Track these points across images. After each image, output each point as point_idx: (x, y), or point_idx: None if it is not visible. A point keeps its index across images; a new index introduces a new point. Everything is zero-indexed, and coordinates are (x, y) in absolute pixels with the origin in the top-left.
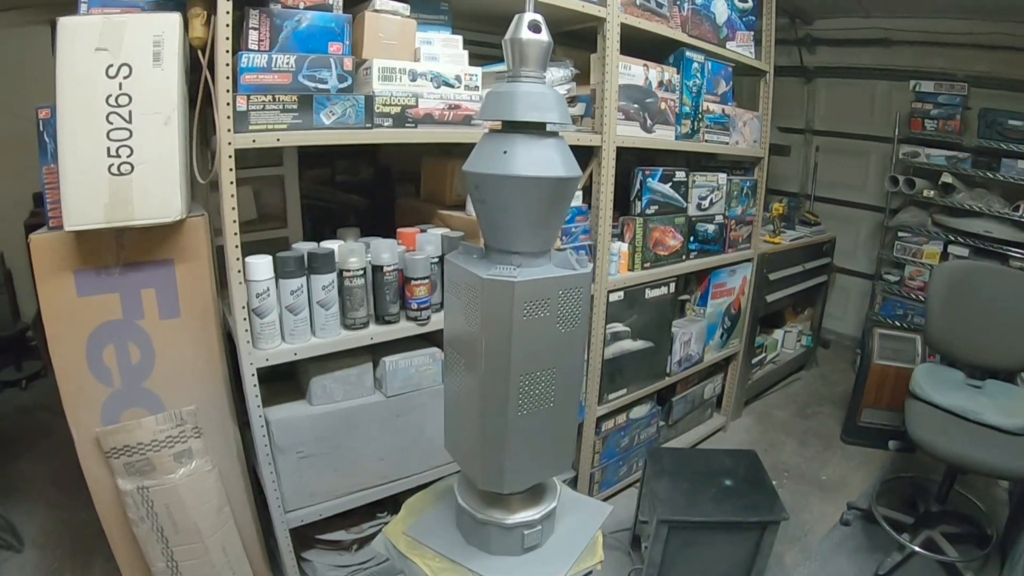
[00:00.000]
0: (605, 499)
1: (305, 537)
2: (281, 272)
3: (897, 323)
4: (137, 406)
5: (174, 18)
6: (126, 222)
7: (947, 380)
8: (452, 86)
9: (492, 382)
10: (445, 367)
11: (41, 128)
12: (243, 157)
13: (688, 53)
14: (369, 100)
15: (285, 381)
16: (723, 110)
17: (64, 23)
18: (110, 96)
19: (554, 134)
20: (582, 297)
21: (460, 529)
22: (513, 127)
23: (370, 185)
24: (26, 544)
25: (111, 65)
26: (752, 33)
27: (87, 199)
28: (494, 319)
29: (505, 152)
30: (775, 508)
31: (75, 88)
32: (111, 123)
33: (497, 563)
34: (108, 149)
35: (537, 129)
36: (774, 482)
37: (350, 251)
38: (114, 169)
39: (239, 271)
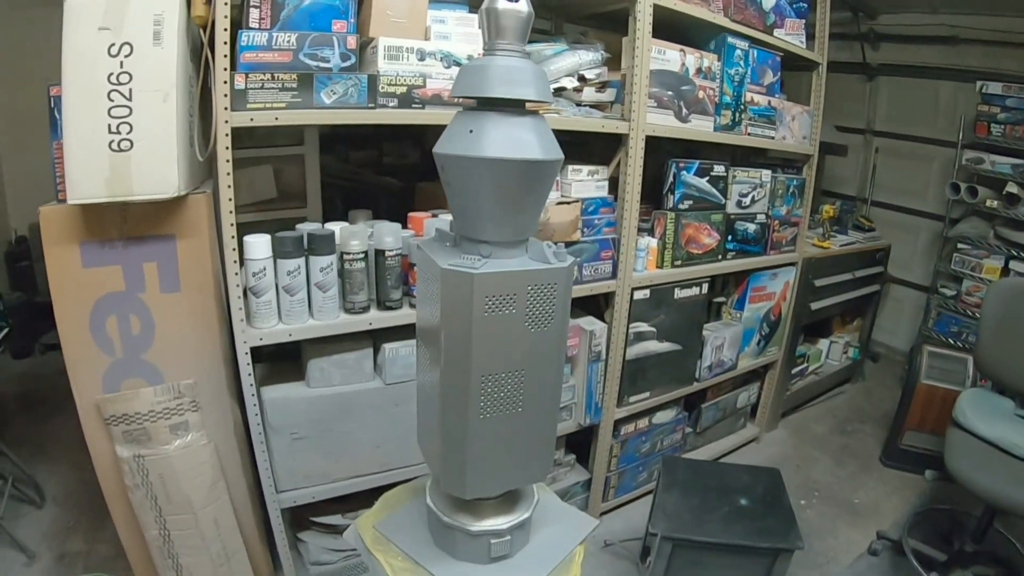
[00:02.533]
0: (621, 505)
1: (301, 519)
2: (279, 252)
3: (951, 341)
4: (137, 376)
5: None
6: (125, 197)
7: (994, 409)
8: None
9: (452, 381)
10: (416, 361)
11: (52, 105)
12: (262, 135)
13: (730, 39)
14: (372, 79)
15: (290, 361)
16: (769, 102)
17: (70, 3)
18: (112, 74)
19: (533, 113)
20: (557, 295)
21: (430, 530)
22: (487, 105)
23: (414, 168)
24: (46, 500)
25: (113, 44)
26: (803, 21)
27: (89, 174)
28: (453, 313)
29: (471, 131)
30: (790, 535)
31: (79, 66)
32: (112, 100)
33: (461, 570)
34: (109, 126)
35: (513, 107)
36: (802, 502)
37: (351, 233)
38: (115, 145)
39: (234, 249)
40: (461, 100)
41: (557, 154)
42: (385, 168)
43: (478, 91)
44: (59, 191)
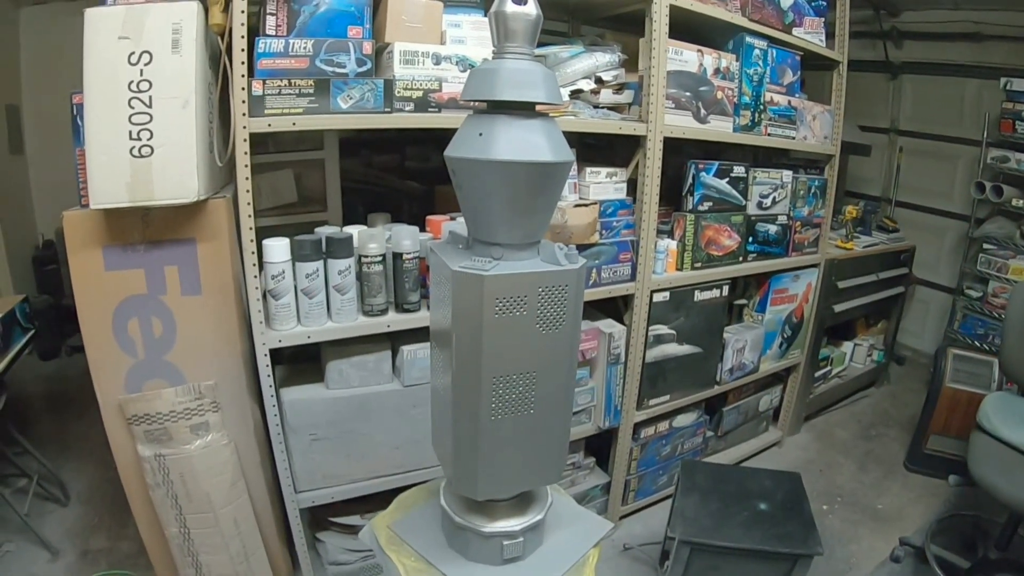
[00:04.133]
0: (641, 508)
1: (321, 519)
2: (297, 255)
3: (976, 343)
4: (159, 377)
5: (192, 6)
6: (146, 202)
7: (1020, 413)
8: None
9: (463, 382)
10: (430, 362)
11: (75, 112)
12: (283, 140)
13: (748, 39)
14: (388, 84)
15: (309, 363)
16: (789, 102)
17: (90, 14)
18: (132, 82)
19: (543, 115)
20: (568, 297)
21: (443, 531)
22: (497, 108)
23: (436, 172)
24: (71, 499)
25: (133, 52)
26: (823, 20)
27: (110, 179)
28: (464, 315)
29: (480, 134)
30: (810, 540)
31: (100, 75)
32: (132, 108)
33: (474, 571)
34: (130, 132)
35: (523, 109)
36: (824, 507)
37: (370, 237)
38: (135, 151)
39: (253, 252)
40: (469, 103)
41: (567, 156)
42: (407, 172)
43: (487, 94)
44: (82, 196)
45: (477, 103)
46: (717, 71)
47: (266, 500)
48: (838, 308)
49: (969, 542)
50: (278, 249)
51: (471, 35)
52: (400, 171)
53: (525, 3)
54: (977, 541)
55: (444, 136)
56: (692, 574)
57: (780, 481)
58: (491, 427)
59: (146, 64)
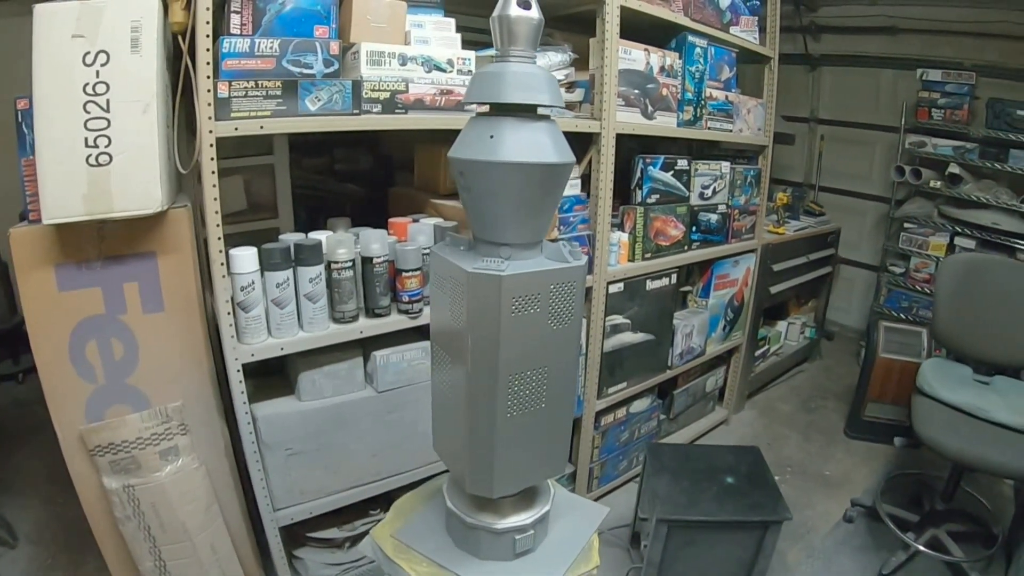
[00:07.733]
0: (605, 494)
1: (297, 535)
2: (266, 264)
3: (902, 316)
4: (121, 403)
5: (152, 2)
6: (105, 214)
7: (954, 376)
8: (444, 70)
9: (479, 382)
10: (432, 364)
11: (20, 119)
12: (230, 146)
13: (690, 38)
14: (356, 85)
15: (275, 376)
16: (726, 97)
17: (40, 9)
18: (87, 84)
19: (545, 117)
20: (576, 292)
21: (450, 533)
22: (501, 110)
23: (369, 174)
24: (19, 539)
25: (88, 52)
26: (756, 18)
27: (65, 191)
28: (480, 316)
29: (492, 137)
30: (778, 507)
31: (51, 77)
32: (88, 112)
33: (487, 569)
34: (86, 139)
35: (527, 112)
36: (776, 477)
37: (338, 242)
38: (92, 159)
39: (222, 264)
40: (438, 103)
41: (570, 157)
42: (338, 175)
43: (495, 97)
44: (30, 211)
45: (478, 106)
46: (662, 69)
47: (240, 521)
48: (774, 290)
49: (915, 498)
50: (246, 259)
51: (434, 35)
52: (331, 174)
53: (529, 7)
54: (923, 496)
55: (375, 138)
56: (671, 551)
57: (741, 455)
58: (506, 424)
59: (103, 65)
